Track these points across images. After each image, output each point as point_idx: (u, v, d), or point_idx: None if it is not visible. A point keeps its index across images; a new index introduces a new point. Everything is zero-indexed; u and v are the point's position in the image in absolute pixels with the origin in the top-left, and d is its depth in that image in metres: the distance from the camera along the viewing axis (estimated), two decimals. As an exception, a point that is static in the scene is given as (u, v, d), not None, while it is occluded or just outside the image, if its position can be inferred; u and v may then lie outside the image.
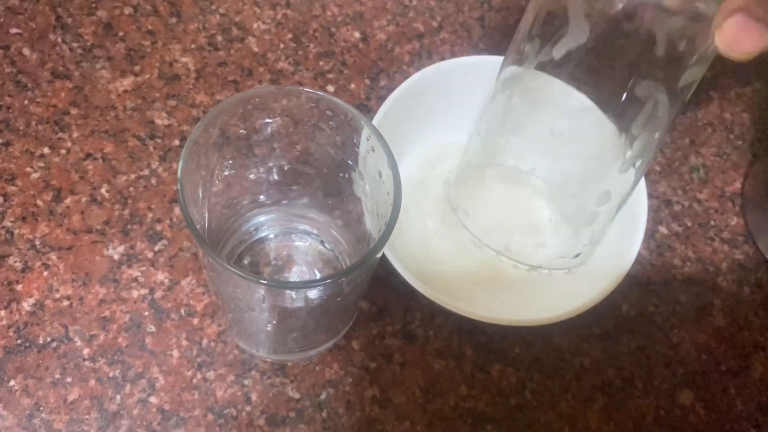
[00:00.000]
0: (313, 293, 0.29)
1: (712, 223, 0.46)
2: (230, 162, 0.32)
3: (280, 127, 0.32)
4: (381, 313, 0.39)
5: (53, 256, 0.38)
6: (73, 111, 0.43)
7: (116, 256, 0.39)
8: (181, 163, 0.27)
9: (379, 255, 0.27)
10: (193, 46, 0.46)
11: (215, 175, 0.32)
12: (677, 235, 0.45)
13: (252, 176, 0.34)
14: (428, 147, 0.43)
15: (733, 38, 0.27)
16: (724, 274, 0.44)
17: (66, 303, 0.37)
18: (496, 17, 0.52)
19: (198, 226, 0.26)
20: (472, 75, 0.41)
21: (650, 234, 0.45)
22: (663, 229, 0.45)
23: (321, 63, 0.47)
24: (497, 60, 0.38)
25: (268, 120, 0.31)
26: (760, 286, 0.44)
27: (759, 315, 0.43)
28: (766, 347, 0.42)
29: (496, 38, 0.51)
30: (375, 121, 0.38)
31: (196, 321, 0.38)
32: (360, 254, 0.35)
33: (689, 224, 0.46)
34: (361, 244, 0.35)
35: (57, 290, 0.38)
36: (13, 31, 0.45)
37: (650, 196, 0.46)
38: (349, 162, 0.32)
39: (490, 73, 0.38)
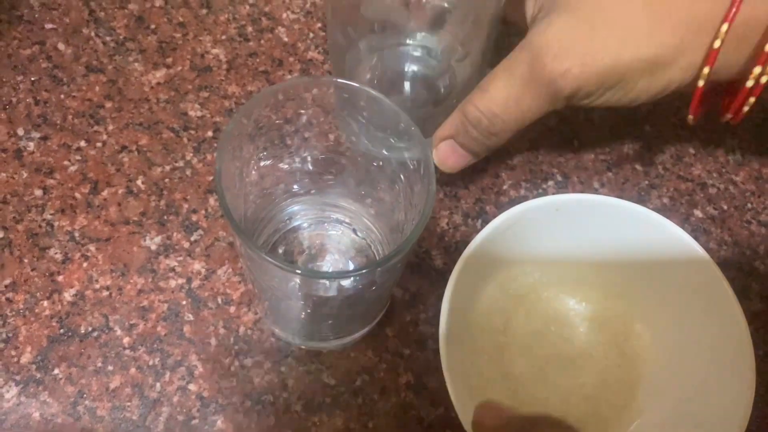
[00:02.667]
0: (347, 283, 0.29)
1: (749, 205, 0.45)
2: (264, 153, 0.32)
3: (312, 117, 0.32)
4: (414, 300, 0.40)
5: (92, 247, 0.39)
6: (108, 104, 0.44)
7: (153, 247, 0.40)
8: (217, 155, 0.27)
9: (412, 245, 0.27)
10: (223, 37, 0.47)
11: (251, 165, 0.32)
12: (713, 218, 0.44)
13: (285, 166, 0.35)
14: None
15: (443, 157, 0.38)
16: (762, 257, 0.44)
17: (105, 293, 0.38)
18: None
19: (235, 216, 0.26)
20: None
21: (685, 218, 0.44)
22: (698, 213, 0.44)
23: (350, 51, 0.47)
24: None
25: (300, 111, 0.31)
26: (799, 269, 0.43)
27: (798, 299, 0.42)
28: (805, 331, 0.42)
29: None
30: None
31: (232, 309, 0.38)
32: (393, 243, 0.35)
33: (725, 207, 0.45)
34: (394, 233, 0.35)
35: (96, 281, 0.38)
36: (48, 26, 0.46)
37: (684, 179, 0.45)
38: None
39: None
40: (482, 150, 0.37)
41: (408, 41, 0.37)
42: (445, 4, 0.30)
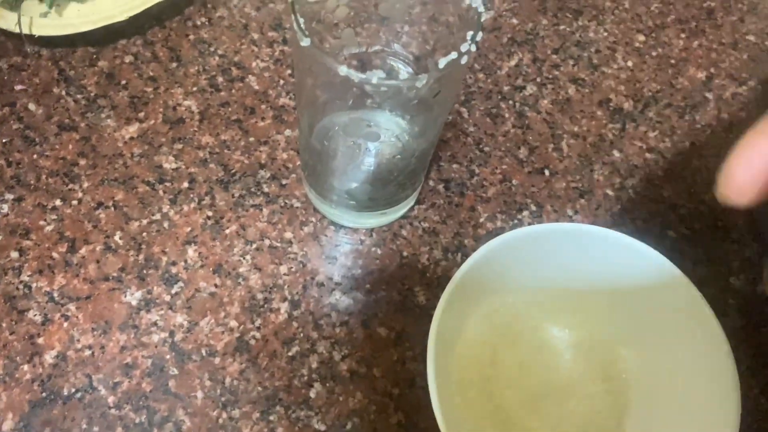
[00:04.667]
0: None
1: (720, 223, 0.46)
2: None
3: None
4: (399, 338, 0.40)
5: (72, 306, 0.39)
6: (82, 162, 0.44)
7: (134, 302, 0.39)
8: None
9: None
10: (194, 88, 0.47)
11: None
12: (686, 238, 0.45)
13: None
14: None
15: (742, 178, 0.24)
16: (736, 273, 0.44)
17: (88, 352, 0.38)
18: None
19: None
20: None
21: (659, 239, 0.45)
22: (672, 234, 0.45)
23: (321, 95, 0.48)
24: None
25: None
26: (774, 282, 0.44)
27: (775, 312, 0.43)
28: (785, 343, 0.42)
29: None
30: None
31: (217, 360, 0.38)
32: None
33: (697, 227, 0.46)
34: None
35: (78, 340, 0.38)
36: (18, 87, 0.46)
37: (655, 201, 0.46)
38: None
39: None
40: None
41: (367, 119, 0.37)
42: (410, 93, 0.30)
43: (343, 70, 0.28)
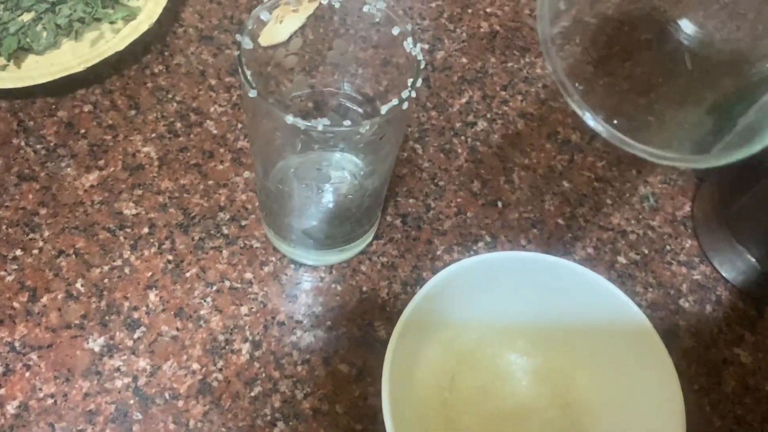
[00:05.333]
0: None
1: (668, 247, 0.48)
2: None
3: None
4: (361, 373, 0.41)
5: (33, 355, 0.39)
6: (42, 211, 0.44)
7: (97, 348, 0.40)
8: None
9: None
10: (153, 135, 0.48)
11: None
12: (636, 263, 0.47)
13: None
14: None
15: None
16: (686, 295, 0.46)
17: (50, 401, 0.38)
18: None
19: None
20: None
21: (610, 265, 0.46)
22: (622, 259, 0.47)
23: (279, 137, 0.49)
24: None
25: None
26: (721, 303, 0.46)
27: (723, 331, 0.45)
28: (734, 361, 0.44)
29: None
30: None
31: (181, 403, 0.38)
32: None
33: (646, 251, 0.48)
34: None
35: (40, 389, 0.38)
36: (-23, 139, 0.47)
37: (605, 228, 0.48)
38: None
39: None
40: None
41: (319, 160, 0.38)
42: (355, 137, 0.32)
43: (289, 119, 0.29)
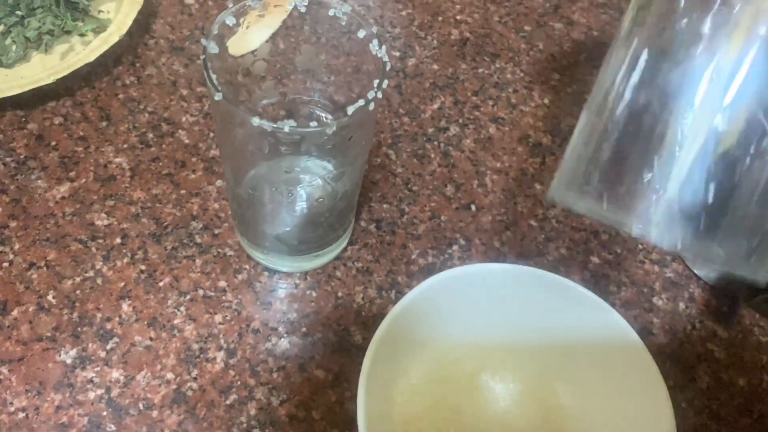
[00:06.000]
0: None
1: (640, 246, 0.48)
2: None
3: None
4: (337, 379, 0.40)
5: (4, 369, 0.39)
6: (13, 224, 0.44)
7: (69, 360, 0.39)
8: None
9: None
10: (125, 146, 0.48)
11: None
12: (609, 263, 0.47)
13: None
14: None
15: None
16: (659, 293, 0.47)
17: (21, 415, 0.37)
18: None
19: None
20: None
21: (583, 265, 0.47)
22: (595, 259, 0.47)
23: (251, 146, 0.49)
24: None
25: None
26: (693, 299, 0.46)
27: (697, 327, 0.45)
28: (708, 357, 0.44)
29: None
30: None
31: (155, 414, 0.38)
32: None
33: (619, 251, 0.48)
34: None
35: (11, 403, 0.38)
36: (-54, 154, 0.46)
37: (577, 229, 0.48)
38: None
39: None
40: None
41: (288, 165, 0.38)
42: (322, 138, 0.32)
43: (255, 120, 0.29)
